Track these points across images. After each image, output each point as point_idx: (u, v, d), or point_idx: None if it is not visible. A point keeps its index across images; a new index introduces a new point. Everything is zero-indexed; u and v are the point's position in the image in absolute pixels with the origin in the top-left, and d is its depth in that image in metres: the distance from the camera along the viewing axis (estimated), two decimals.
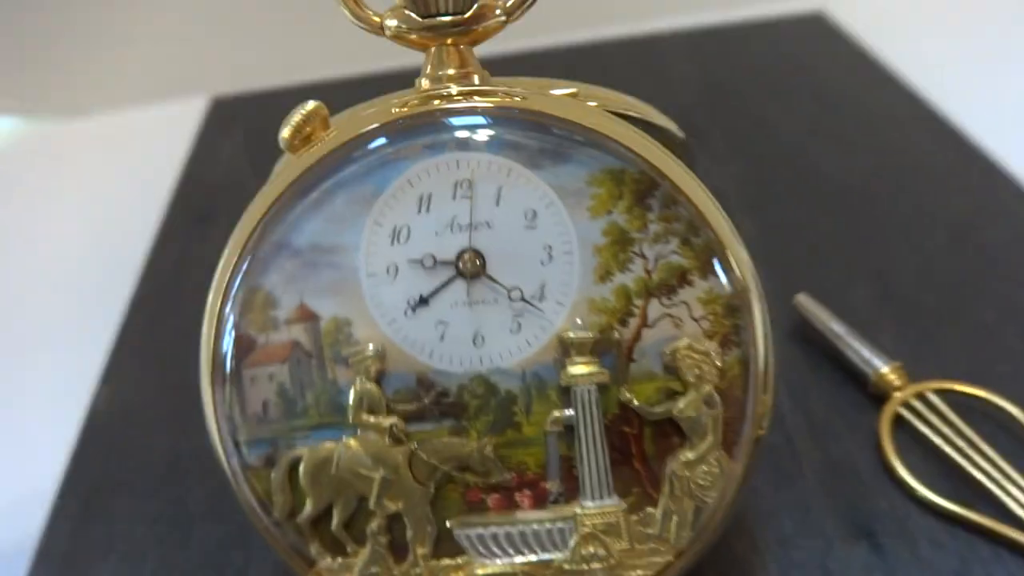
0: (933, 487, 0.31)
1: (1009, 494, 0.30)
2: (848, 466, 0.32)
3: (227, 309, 0.25)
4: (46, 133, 0.73)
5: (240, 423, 0.25)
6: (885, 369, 0.34)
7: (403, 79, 0.28)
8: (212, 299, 0.25)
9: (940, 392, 0.34)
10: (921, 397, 0.33)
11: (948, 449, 0.32)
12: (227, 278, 0.25)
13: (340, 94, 0.65)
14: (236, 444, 0.26)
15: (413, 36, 0.25)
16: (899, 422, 0.33)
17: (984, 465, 0.31)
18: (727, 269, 0.25)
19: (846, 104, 0.54)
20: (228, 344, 0.25)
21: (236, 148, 0.60)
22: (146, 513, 0.34)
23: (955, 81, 0.55)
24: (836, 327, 0.36)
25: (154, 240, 0.50)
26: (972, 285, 0.39)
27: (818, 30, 0.64)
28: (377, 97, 0.28)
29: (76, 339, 0.45)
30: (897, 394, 0.34)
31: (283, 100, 0.67)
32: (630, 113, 0.28)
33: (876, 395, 0.34)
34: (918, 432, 0.33)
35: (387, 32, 0.25)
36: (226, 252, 0.25)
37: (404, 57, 0.29)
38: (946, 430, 0.32)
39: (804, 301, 0.37)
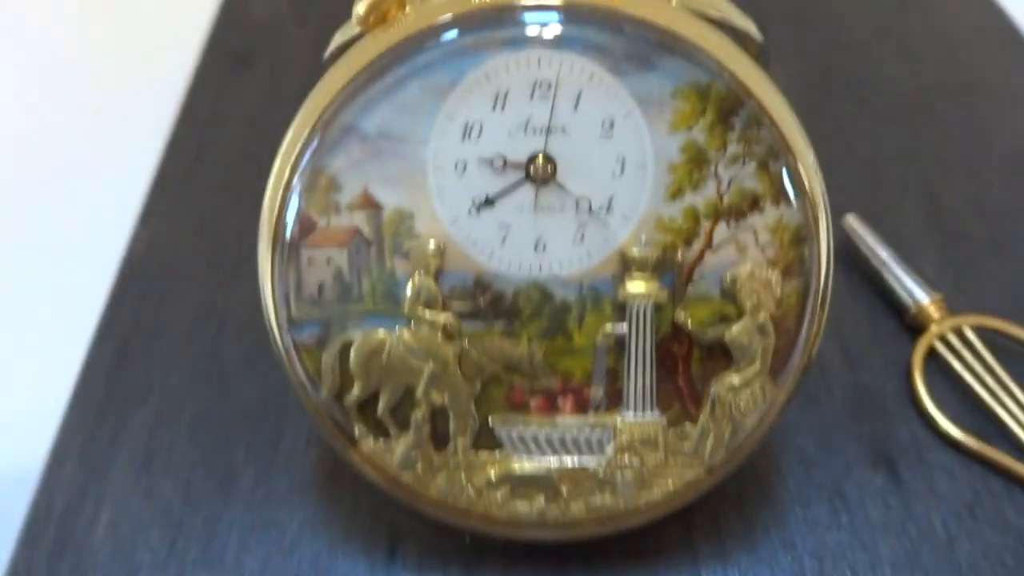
0: (956, 421, 0.31)
1: None
2: (876, 394, 0.33)
3: (293, 183, 0.25)
4: None
5: (295, 301, 0.26)
6: (926, 301, 0.34)
7: None
8: (278, 169, 0.25)
9: (976, 328, 0.34)
10: (957, 332, 0.34)
11: (977, 386, 0.32)
12: (295, 152, 0.24)
13: None
14: (290, 320, 0.26)
15: None
16: (932, 354, 0.34)
17: (1010, 404, 0.32)
18: (800, 195, 0.25)
19: (918, 4, 0.51)
20: (291, 221, 0.25)
21: None
22: (183, 363, 0.35)
23: None
24: (882, 253, 0.36)
25: (190, 81, 0.49)
26: (1022, 217, 0.39)
27: None
28: None
29: (113, 178, 0.44)
30: (934, 327, 0.34)
31: None
32: (709, 12, 0.26)
33: (913, 326, 0.34)
34: (950, 367, 0.33)
35: None
36: (294, 125, 0.25)
37: None
38: (978, 367, 0.33)
39: (853, 223, 0.37)
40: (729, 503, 0.29)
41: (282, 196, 0.25)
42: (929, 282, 0.35)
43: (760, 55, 0.30)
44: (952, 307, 0.35)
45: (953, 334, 0.34)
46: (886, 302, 0.36)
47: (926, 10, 0.51)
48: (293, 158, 0.25)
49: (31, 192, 0.45)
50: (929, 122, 0.44)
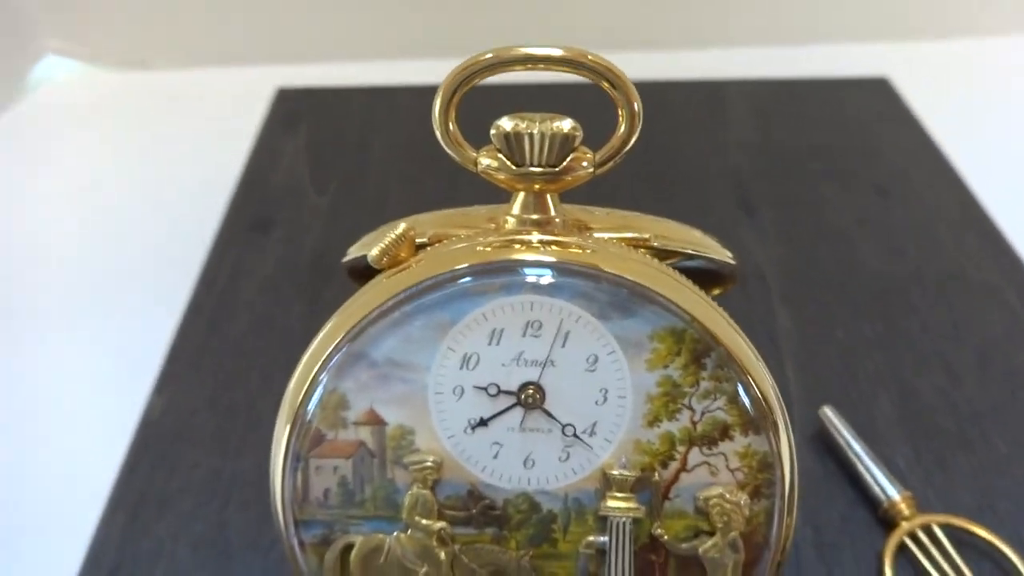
0: None
1: None
2: None
3: (308, 407, 0.27)
4: (110, 82, 0.75)
5: (301, 504, 0.28)
6: (897, 497, 0.36)
7: None
8: (292, 391, 0.27)
9: (944, 526, 0.36)
10: (927, 529, 0.35)
11: None
12: (306, 382, 0.27)
13: (404, 97, 0.67)
14: (296, 521, 0.28)
15: (503, 177, 0.27)
16: (903, 549, 0.35)
17: None
18: (767, 428, 0.27)
19: (900, 193, 0.55)
20: (301, 433, 0.27)
21: (298, 148, 0.62)
22: (190, 533, 0.37)
23: (1007, 183, 0.56)
24: (856, 446, 0.38)
25: (211, 246, 0.52)
26: (992, 413, 0.41)
27: (881, 98, 0.65)
28: (463, 211, 0.29)
29: (132, 341, 0.47)
30: (905, 523, 0.36)
31: (346, 99, 0.69)
32: (687, 250, 0.30)
33: (885, 520, 0.36)
34: (919, 563, 0.35)
35: (478, 168, 0.27)
36: (307, 356, 0.27)
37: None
38: (945, 565, 0.34)
39: (829, 414, 0.39)
40: None
41: (296, 415, 0.27)
42: (901, 477, 0.37)
43: (735, 275, 0.33)
44: (922, 502, 0.37)
45: (922, 531, 0.35)
46: (859, 493, 0.37)
47: (906, 202, 0.54)
48: (305, 389, 0.27)
49: (52, 354, 0.48)
50: (906, 312, 0.46)
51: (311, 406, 0.27)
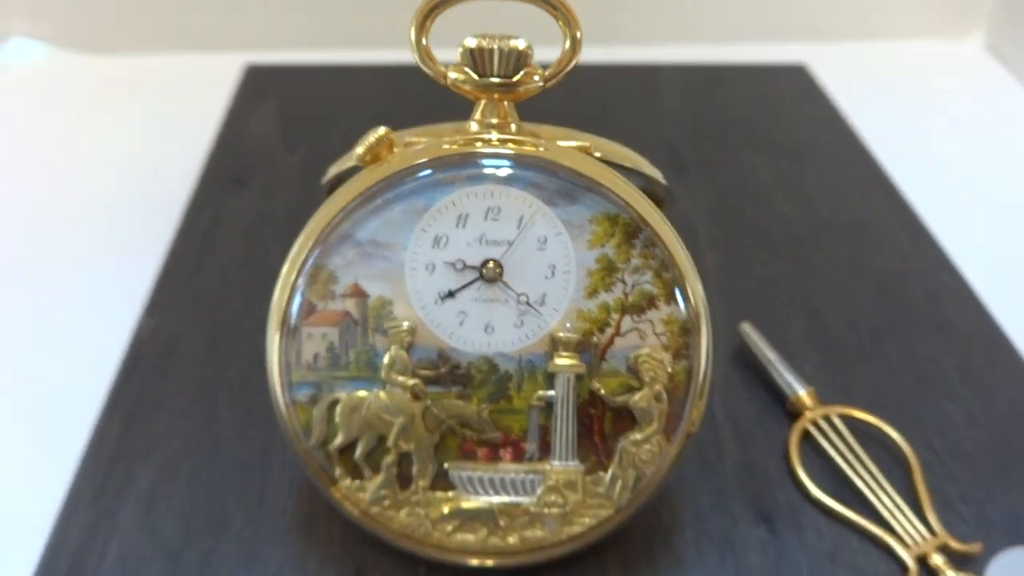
0: (824, 489, 0.39)
1: (881, 501, 0.38)
2: (760, 466, 0.40)
3: (298, 280, 0.32)
4: (76, 64, 0.78)
5: (294, 367, 0.32)
6: (801, 392, 0.42)
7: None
8: (287, 271, 0.32)
9: (841, 415, 0.42)
10: (826, 418, 0.41)
11: (840, 461, 0.40)
12: (302, 257, 0.32)
13: (367, 75, 0.71)
14: (289, 384, 0.33)
15: (468, 88, 0.32)
16: (806, 436, 0.41)
17: (866, 477, 0.39)
18: (686, 300, 0.33)
19: (812, 158, 0.62)
20: (295, 306, 0.32)
21: (267, 117, 0.66)
22: (182, 429, 0.41)
23: (909, 154, 0.63)
24: (769, 354, 0.44)
25: (192, 198, 0.57)
26: (885, 332, 0.48)
27: (799, 82, 0.72)
28: (433, 126, 0.35)
29: (123, 276, 0.51)
30: (808, 413, 0.42)
31: (313, 76, 0.74)
32: (625, 164, 0.35)
33: (792, 412, 0.42)
34: (820, 446, 0.41)
35: (448, 81, 0.32)
36: (302, 236, 0.32)
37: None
38: (841, 446, 0.40)
39: (747, 329, 0.45)
40: (638, 547, 0.36)
41: (289, 290, 0.32)
42: (806, 378, 0.43)
43: (666, 194, 0.39)
44: (824, 399, 0.43)
45: (823, 420, 0.41)
46: (771, 393, 0.43)
47: (818, 164, 0.61)
48: (300, 262, 0.32)
49: (57, 285, 0.52)
50: (815, 253, 0.53)
51: (302, 281, 0.32)
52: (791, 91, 0.71)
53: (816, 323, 0.48)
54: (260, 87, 0.70)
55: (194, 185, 0.58)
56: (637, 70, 0.73)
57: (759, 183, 0.59)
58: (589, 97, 0.68)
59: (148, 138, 0.67)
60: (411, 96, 0.63)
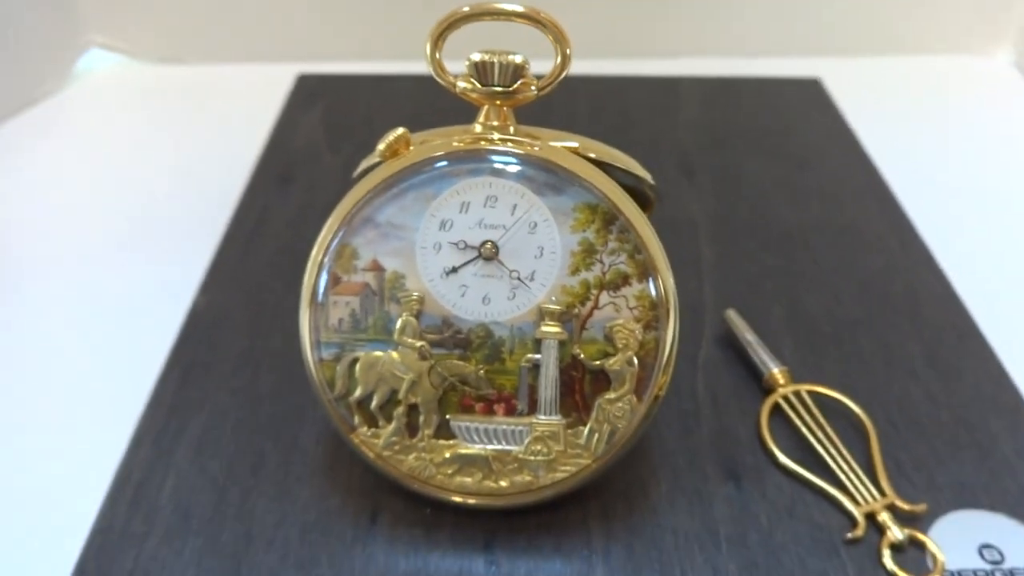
0: (789, 455, 0.43)
1: (839, 466, 0.43)
2: (733, 432, 0.45)
3: (324, 258, 0.38)
4: (147, 73, 0.86)
5: (322, 330, 0.39)
6: (775, 370, 0.47)
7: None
8: (315, 252, 0.38)
9: (810, 392, 0.46)
10: (796, 393, 0.46)
11: (804, 431, 0.45)
12: (328, 238, 0.38)
13: (404, 85, 0.78)
14: (317, 343, 0.39)
15: (474, 95, 0.38)
16: (777, 409, 0.46)
17: (827, 445, 0.44)
18: (655, 282, 0.38)
19: (814, 166, 0.66)
20: (323, 280, 0.38)
21: (314, 121, 0.73)
22: (229, 386, 0.48)
23: (911, 164, 0.67)
24: (749, 336, 0.49)
25: (242, 194, 0.63)
26: (862, 324, 0.52)
27: (811, 95, 0.76)
28: (445, 128, 0.41)
29: (180, 261, 0.58)
30: (780, 389, 0.46)
31: (357, 84, 0.81)
32: (616, 164, 0.41)
33: (766, 388, 0.47)
34: (789, 418, 0.45)
35: (457, 90, 0.38)
36: (330, 220, 0.38)
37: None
38: (807, 418, 0.45)
39: (732, 315, 0.50)
40: (617, 497, 0.41)
41: (317, 266, 0.39)
42: (783, 360, 0.48)
43: (655, 193, 0.44)
44: (797, 378, 0.47)
45: (793, 395, 0.46)
46: (750, 372, 0.48)
47: (819, 171, 0.66)
48: (327, 243, 0.38)
49: (129, 265, 0.59)
50: (803, 251, 0.57)
51: (328, 258, 0.38)
52: (803, 103, 0.75)
53: (797, 312, 0.53)
54: (309, 94, 0.77)
55: (246, 182, 0.65)
56: (659, 81, 0.79)
57: (760, 186, 0.64)
58: (614, 105, 0.74)
59: (208, 139, 0.74)
60: (433, 103, 0.69)
